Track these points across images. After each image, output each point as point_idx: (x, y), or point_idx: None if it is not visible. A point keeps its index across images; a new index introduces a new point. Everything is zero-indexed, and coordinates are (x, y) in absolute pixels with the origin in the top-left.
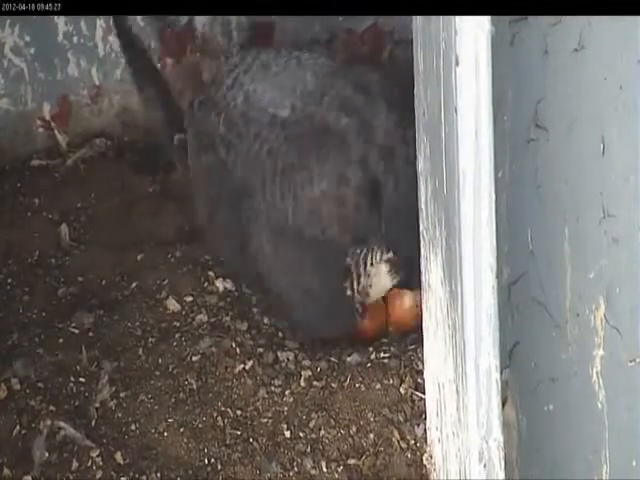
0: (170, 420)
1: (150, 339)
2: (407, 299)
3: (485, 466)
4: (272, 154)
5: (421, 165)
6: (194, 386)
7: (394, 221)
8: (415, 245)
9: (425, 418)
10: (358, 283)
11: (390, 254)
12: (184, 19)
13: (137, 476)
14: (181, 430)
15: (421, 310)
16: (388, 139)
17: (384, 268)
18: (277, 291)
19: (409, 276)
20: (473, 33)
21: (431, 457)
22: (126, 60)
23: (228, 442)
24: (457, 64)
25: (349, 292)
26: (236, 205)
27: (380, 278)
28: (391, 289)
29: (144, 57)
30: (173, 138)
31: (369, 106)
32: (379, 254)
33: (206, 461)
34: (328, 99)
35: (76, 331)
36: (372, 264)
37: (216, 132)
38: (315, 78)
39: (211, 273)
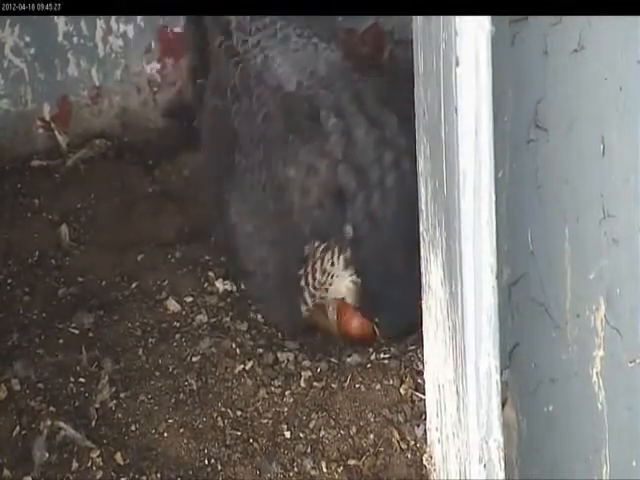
0: (170, 421)
1: (150, 339)
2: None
3: (485, 467)
4: (265, 120)
5: (421, 166)
6: (194, 387)
7: (363, 246)
8: (382, 277)
9: (425, 419)
10: (314, 278)
11: (357, 278)
12: (184, 19)
13: (137, 477)
14: (181, 431)
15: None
16: (364, 156)
17: (348, 283)
18: (235, 250)
19: (371, 303)
20: (473, 33)
21: (431, 458)
22: None
23: (228, 443)
24: (457, 64)
25: (302, 283)
26: (227, 153)
27: (340, 284)
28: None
29: None
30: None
31: (355, 119)
32: (341, 257)
33: (206, 462)
34: (326, 93)
35: (76, 331)
36: (333, 264)
37: (231, 79)
38: (326, 67)
39: (211, 274)
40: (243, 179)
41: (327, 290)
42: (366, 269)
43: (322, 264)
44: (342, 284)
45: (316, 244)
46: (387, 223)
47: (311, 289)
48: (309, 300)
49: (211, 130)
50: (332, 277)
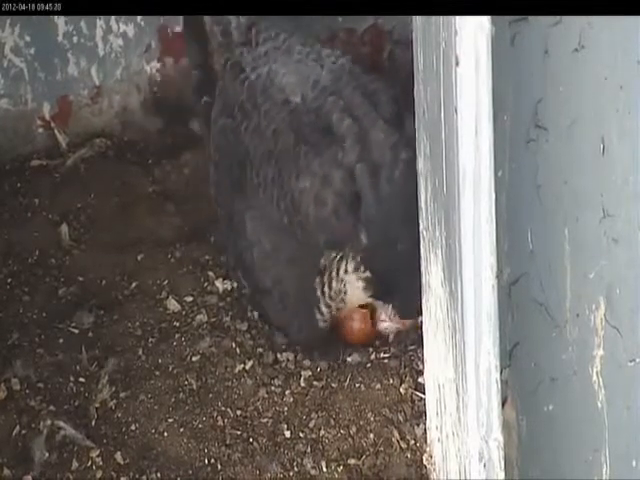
0: (170, 420)
1: (150, 339)
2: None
3: (485, 466)
4: (275, 135)
5: (421, 165)
6: (194, 386)
7: (372, 235)
8: (391, 261)
9: (425, 418)
10: (330, 287)
11: (367, 273)
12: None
13: (137, 476)
14: (181, 430)
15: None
16: (380, 155)
17: (360, 283)
18: (250, 268)
19: (384, 291)
20: (473, 33)
21: (431, 457)
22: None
23: (228, 442)
24: (457, 64)
25: (318, 293)
26: (239, 171)
27: (354, 289)
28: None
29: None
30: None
31: (370, 119)
32: (353, 264)
33: (206, 461)
34: (334, 99)
35: (76, 331)
36: (346, 272)
37: (239, 97)
38: (330, 75)
39: (211, 273)
40: (257, 197)
41: (344, 300)
42: (376, 260)
43: (338, 273)
44: (354, 286)
45: (332, 255)
46: (395, 212)
47: (327, 299)
48: (325, 310)
49: (221, 149)
50: (346, 284)
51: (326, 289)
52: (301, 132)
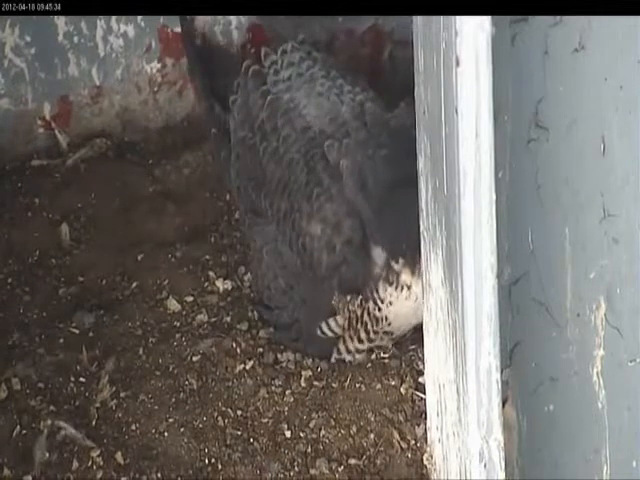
0: (170, 420)
1: (150, 339)
2: None
3: (485, 466)
4: (291, 166)
5: (421, 165)
6: (194, 386)
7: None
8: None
9: (425, 418)
10: (365, 330)
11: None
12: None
13: (137, 476)
14: (181, 430)
15: None
16: (384, 202)
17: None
18: (269, 302)
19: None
20: (473, 33)
21: (431, 457)
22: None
23: (229, 442)
24: (458, 64)
25: (341, 346)
26: (254, 194)
27: (401, 310)
28: None
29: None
30: (211, 131)
31: (377, 166)
32: (381, 294)
33: (207, 461)
34: (347, 142)
35: (76, 331)
36: (379, 308)
37: (259, 114)
38: (349, 114)
39: (211, 273)
40: (272, 230)
41: (389, 331)
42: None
43: (369, 314)
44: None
45: (347, 298)
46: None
47: (357, 343)
48: (344, 349)
49: (241, 159)
50: (389, 314)
51: (348, 341)
52: (315, 169)
